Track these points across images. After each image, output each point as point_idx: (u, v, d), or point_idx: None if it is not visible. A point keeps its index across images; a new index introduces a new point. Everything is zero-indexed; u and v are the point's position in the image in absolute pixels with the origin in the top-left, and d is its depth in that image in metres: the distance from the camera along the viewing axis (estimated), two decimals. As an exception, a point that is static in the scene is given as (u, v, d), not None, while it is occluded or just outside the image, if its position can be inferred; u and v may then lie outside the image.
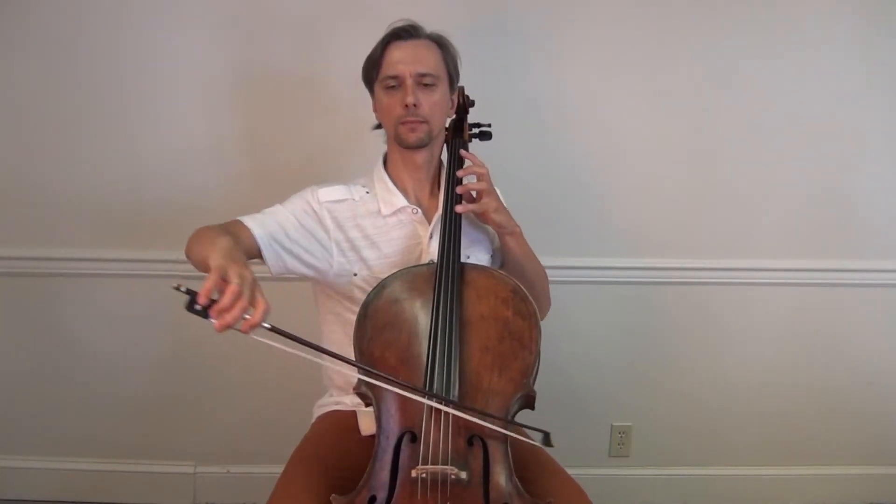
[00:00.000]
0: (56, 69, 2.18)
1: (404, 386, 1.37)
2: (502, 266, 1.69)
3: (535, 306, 1.47)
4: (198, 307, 1.14)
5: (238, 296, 1.14)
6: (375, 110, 1.67)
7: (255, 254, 1.52)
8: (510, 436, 1.38)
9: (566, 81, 2.21)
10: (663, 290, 2.37)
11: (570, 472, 1.55)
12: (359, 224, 1.61)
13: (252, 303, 1.17)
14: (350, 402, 1.64)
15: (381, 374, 1.37)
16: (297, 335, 1.24)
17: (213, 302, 1.14)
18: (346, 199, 1.62)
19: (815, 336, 2.41)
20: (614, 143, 2.25)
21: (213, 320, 1.15)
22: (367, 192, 1.65)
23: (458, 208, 1.56)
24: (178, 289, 1.14)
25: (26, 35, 2.16)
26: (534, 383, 1.44)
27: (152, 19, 2.15)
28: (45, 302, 2.33)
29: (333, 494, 1.35)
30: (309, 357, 1.28)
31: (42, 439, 2.44)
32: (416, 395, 1.36)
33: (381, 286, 1.49)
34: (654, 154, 2.26)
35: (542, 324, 1.47)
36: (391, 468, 1.36)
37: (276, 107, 2.22)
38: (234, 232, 1.47)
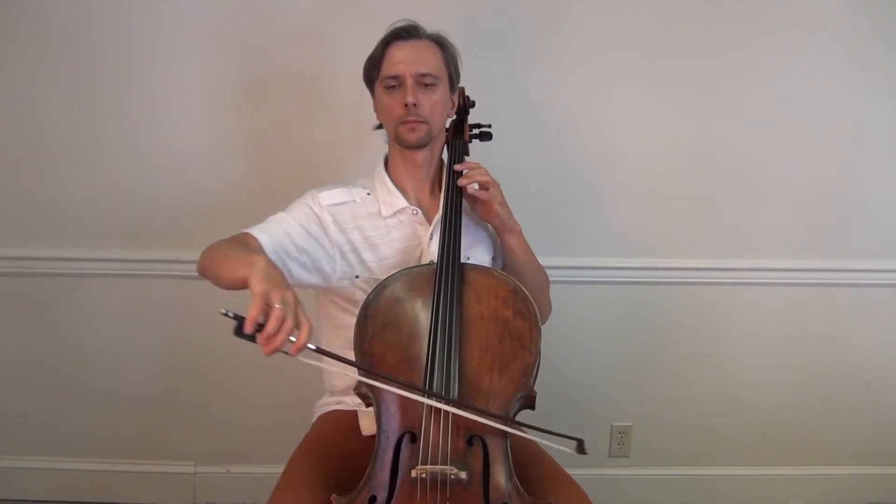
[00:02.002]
0: (57, 69, 2.17)
1: (408, 388, 1.37)
2: (504, 268, 1.69)
3: (536, 307, 1.47)
4: (245, 333, 1.15)
5: (283, 320, 1.16)
6: (376, 110, 1.67)
7: None
8: (512, 433, 1.38)
9: (566, 82, 2.21)
10: (663, 290, 2.37)
11: (569, 472, 1.55)
12: (359, 226, 1.61)
13: (297, 325, 1.19)
14: (351, 402, 1.65)
15: (399, 380, 1.38)
16: (340, 354, 1.30)
17: (259, 326, 1.16)
18: (347, 202, 1.62)
19: (815, 336, 2.41)
20: (615, 144, 2.25)
21: (260, 344, 1.17)
22: (368, 194, 1.66)
23: (462, 181, 1.58)
24: (225, 314, 1.15)
25: (28, 35, 2.15)
26: (534, 383, 1.44)
27: (154, 20, 2.15)
28: (45, 302, 2.33)
29: (334, 495, 1.35)
30: (353, 375, 1.33)
31: (42, 439, 2.44)
32: (418, 396, 1.36)
33: (382, 286, 1.49)
34: (654, 154, 2.26)
35: (542, 323, 1.48)
36: (391, 468, 1.36)
37: (278, 107, 2.22)
38: (246, 244, 1.48)
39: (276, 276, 1.24)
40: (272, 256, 1.49)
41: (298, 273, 1.57)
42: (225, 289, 1.36)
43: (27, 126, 2.22)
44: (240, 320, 1.15)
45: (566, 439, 1.37)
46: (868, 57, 2.22)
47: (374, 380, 1.37)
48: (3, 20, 2.14)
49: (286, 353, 1.18)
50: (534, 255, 1.70)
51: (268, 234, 1.53)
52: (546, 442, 1.40)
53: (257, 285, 1.19)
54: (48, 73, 2.17)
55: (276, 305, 1.16)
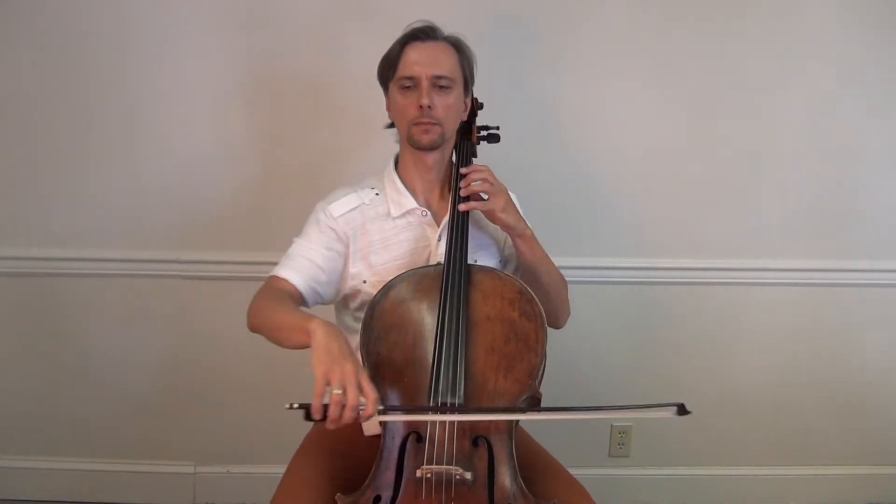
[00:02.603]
0: (61, 70, 2.17)
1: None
2: (517, 272, 1.69)
3: (542, 308, 1.47)
4: (316, 418, 1.22)
5: (342, 404, 1.22)
6: (389, 109, 1.66)
7: (302, 302, 1.56)
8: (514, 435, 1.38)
9: (571, 84, 2.22)
10: (663, 290, 2.37)
11: (569, 471, 1.56)
12: (368, 229, 1.61)
13: (363, 394, 1.24)
14: (353, 401, 1.65)
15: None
16: (407, 407, 1.40)
17: (326, 406, 1.22)
18: (357, 206, 1.62)
19: (816, 336, 2.42)
20: (620, 145, 2.25)
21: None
22: (377, 194, 1.65)
23: (462, 206, 1.57)
24: (291, 407, 1.23)
25: (32, 36, 2.15)
26: (540, 384, 1.44)
27: (160, 21, 2.14)
28: (46, 302, 2.33)
29: (338, 494, 1.36)
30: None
31: (42, 439, 2.44)
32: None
33: (388, 287, 1.49)
34: (658, 155, 2.26)
35: (542, 323, 1.48)
36: (396, 468, 1.37)
37: (283, 108, 2.21)
38: (288, 293, 1.52)
39: (335, 347, 1.27)
40: (305, 292, 1.54)
41: (328, 294, 1.60)
42: (285, 348, 1.43)
43: (31, 127, 2.21)
44: (306, 408, 1.22)
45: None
46: (869, 57, 2.22)
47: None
48: (4, 20, 2.14)
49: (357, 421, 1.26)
50: (548, 258, 1.67)
51: (296, 271, 1.55)
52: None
53: (317, 366, 1.25)
54: (50, 73, 2.17)
55: (335, 391, 1.22)
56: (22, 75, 2.17)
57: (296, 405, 1.22)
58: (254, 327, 1.50)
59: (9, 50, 2.16)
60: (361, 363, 1.38)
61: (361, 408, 1.23)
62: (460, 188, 1.58)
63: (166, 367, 2.38)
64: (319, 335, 1.28)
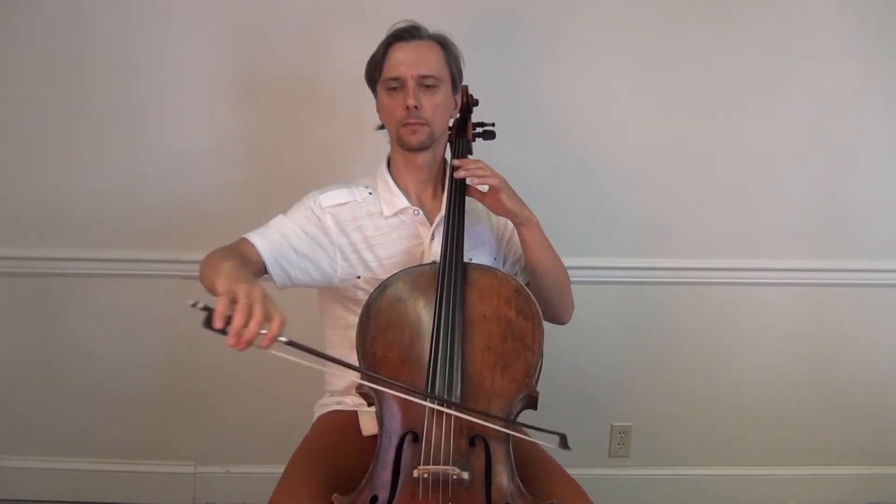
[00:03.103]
0: (58, 70, 2.17)
1: (407, 390, 1.37)
2: (515, 268, 1.70)
3: (539, 306, 1.47)
4: (215, 328, 1.15)
5: (248, 313, 1.15)
6: (378, 111, 1.66)
7: (262, 271, 1.53)
8: (514, 436, 1.38)
9: (569, 81, 2.22)
10: (663, 290, 2.37)
11: (569, 471, 1.55)
12: (361, 226, 1.61)
13: (267, 317, 1.17)
14: (351, 402, 1.65)
15: (388, 380, 1.37)
16: (312, 347, 1.24)
17: (229, 320, 1.15)
18: (348, 202, 1.63)
19: (816, 336, 2.41)
20: (617, 144, 2.25)
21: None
22: (370, 193, 1.65)
23: (459, 173, 1.54)
24: (194, 306, 1.15)
25: (29, 35, 2.15)
26: (537, 383, 1.44)
27: (154, 21, 2.14)
28: (46, 302, 2.33)
29: (335, 494, 1.36)
30: (325, 369, 1.29)
31: (42, 439, 2.44)
32: (418, 398, 1.36)
33: (384, 286, 1.49)
34: (656, 154, 2.26)
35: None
36: (393, 468, 1.36)
37: (278, 108, 2.22)
38: (241, 251, 1.49)
39: (241, 274, 1.26)
40: (269, 262, 1.52)
41: (297, 276, 1.58)
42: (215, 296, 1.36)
43: (28, 126, 2.22)
44: (209, 312, 1.15)
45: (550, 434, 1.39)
46: (868, 58, 2.22)
47: (374, 383, 1.37)
48: (4, 20, 2.14)
49: (259, 346, 1.17)
50: (553, 250, 1.66)
51: (266, 239, 1.54)
52: (518, 435, 1.39)
53: (221, 285, 1.21)
54: (48, 73, 2.17)
55: (241, 300, 1.16)
56: (21, 75, 2.18)
57: (200, 304, 1.15)
58: (200, 276, 1.43)
59: (9, 50, 2.16)
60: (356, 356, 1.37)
61: (264, 331, 1.17)
62: (455, 168, 1.56)
63: (166, 368, 2.38)
64: (228, 267, 1.27)
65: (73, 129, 2.21)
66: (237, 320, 1.14)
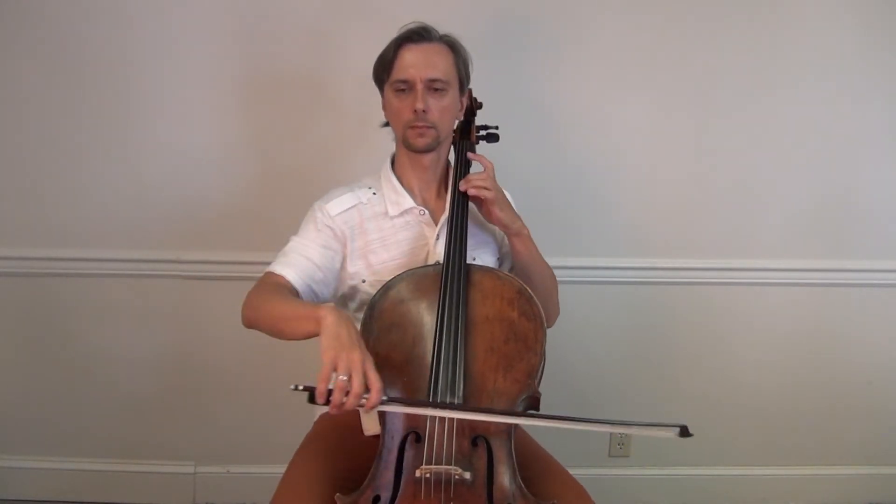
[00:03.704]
0: (60, 69, 2.17)
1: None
2: (511, 270, 1.70)
3: (542, 308, 1.47)
4: (320, 402, 1.23)
5: (346, 390, 1.23)
6: (384, 109, 1.66)
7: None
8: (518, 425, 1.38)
9: (572, 85, 2.22)
10: (663, 290, 2.37)
11: (569, 472, 1.55)
12: (367, 228, 1.61)
13: (368, 384, 1.25)
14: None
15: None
16: (411, 399, 1.39)
17: (331, 391, 1.23)
18: (354, 205, 1.62)
19: (816, 336, 2.42)
20: (619, 145, 2.26)
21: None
22: (374, 194, 1.65)
23: (462, 185, 1.58)
24: (296, 389, 1.23)
25: (32, 34, 2.15)
26: (539, 384, 1.44)
27: (158, 20, 2.14)
28: (46, 302, 2.33)
29: (338, 494, 1.36)
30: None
31: (42, 439, 2.44)
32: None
33: (387, 287, 1.49)
34: (657, 155, 2.27)
35: (544, 322, 1.48)
36: (395, 468, 1.37)
37: (281, 107, 2.21)
38: (281, 286, 1.51)
39: (344, 334, 1.28)
40: (302, 288, 1.53)
41: (323, 292, 1.59)
42: (286, 340, 1.42)
43: (31, 126, 2.21)
44: (311, 391, 1.23)
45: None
46: (869, 58, 2.22)
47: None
48: (6, 20, 2.14)
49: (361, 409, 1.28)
50: (542, 259, 1.69)
51: (292, 267, 1.54)
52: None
53: (325, 351, 1.26)
54: (50, 73, 2.17)
55: (341, 377, 1.23)
56: (22, 75, 2.17)
57: (301, 387, 1.23)
58: (250, 321, 1.48)
59: (9, 50, 2.16)
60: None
61: (365, 397, 1.24)
62: (459, 185, 1.59)
63: (166, 367, 2.38)
64: (330, 321, 1.29)
65: (73, 129, 2.21)
66: (336, 398, 1.23)
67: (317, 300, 1.59)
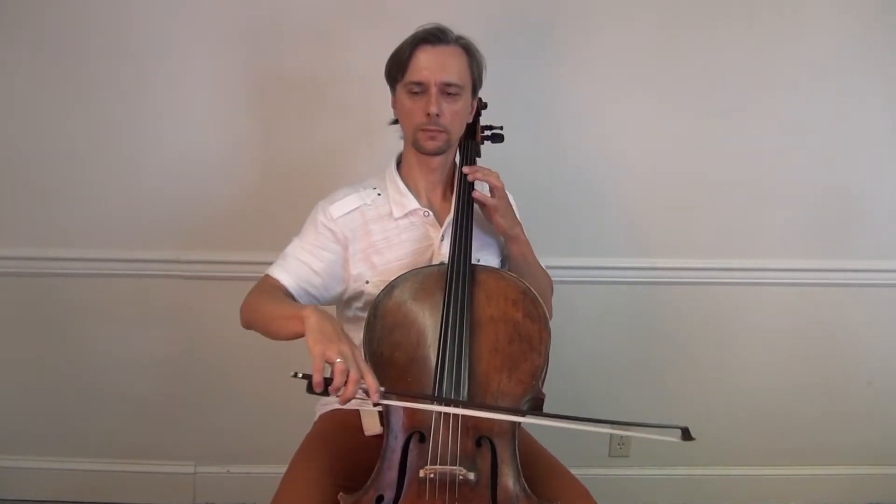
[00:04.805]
0: (60, 69, 2.16)
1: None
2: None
3: (546, 309, 1.47)
4: (316, 392, 1.25)
5: (346, 373, 1.25)
6: (394, 107, 1.65)
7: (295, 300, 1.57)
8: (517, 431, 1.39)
9: (571, 83, 2.21)
10: (665, 290, 2.37)
11: (570, 471, 1.56)
12: (371, 229, 1.61)
13: (362, 376, 1.27)
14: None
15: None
16: (413, 392, 1.41)
17: (328, 381, 1.26)
18: (358, 207, 1.62)
19: (816, 336, 2.42)
20: (619, 144, 2.25)
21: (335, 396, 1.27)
22: (379, 195, 1.65)
23: (471, 177, 1.61)
24: (295, 376, 1.26)
25: (33, 35, 2.14)
26: (542, 385, 1.44)
27: (161, 20, 2.13)
28: (46, 302, 2.32)
29: (341, 493, 1.36)
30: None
31: (42, 439, 2.43)
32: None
33: (391, 286, 1.49)
34: (658, 156, 2.27)
35: (545, 322, 1.48)
36: (399, 468, 1.37)
37: (285, 108, 2.20)
38: (276, 288, 1.54)
39: (328, 329, 1.31)
40: (296, 292, 1.55)
41: (323, 295, 1.60)
42: (279, 340, 1.45)
43: (31, 126, 2.20)
44: (309, 378, 1.25)
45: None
46: (867, 59, 2.23)
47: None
48: (8, 20, 2.13)
49: (364, 399, 1.30)
50: (537, 263, 1.71)
51: (287, 271, 1.56)
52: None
53: (313, 346, 1.27)
54: (51, 72, 2.16)
55: (336, 361, 1.25)
56: (22, 75, 2.17)
57: (300, 374, 1.25)
58: (247, 322, 1.52)
59: (9, 50, 2.15)
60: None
61: (363, 386, 1.26)
62: (466, 175, 1.61)
63: (166, 367, 2.38)
64: (313, 319, 1.31)
65: (74, 129, 2.20)
66: (337, 381, 1.25)
67: (316, 303, 1.59)
